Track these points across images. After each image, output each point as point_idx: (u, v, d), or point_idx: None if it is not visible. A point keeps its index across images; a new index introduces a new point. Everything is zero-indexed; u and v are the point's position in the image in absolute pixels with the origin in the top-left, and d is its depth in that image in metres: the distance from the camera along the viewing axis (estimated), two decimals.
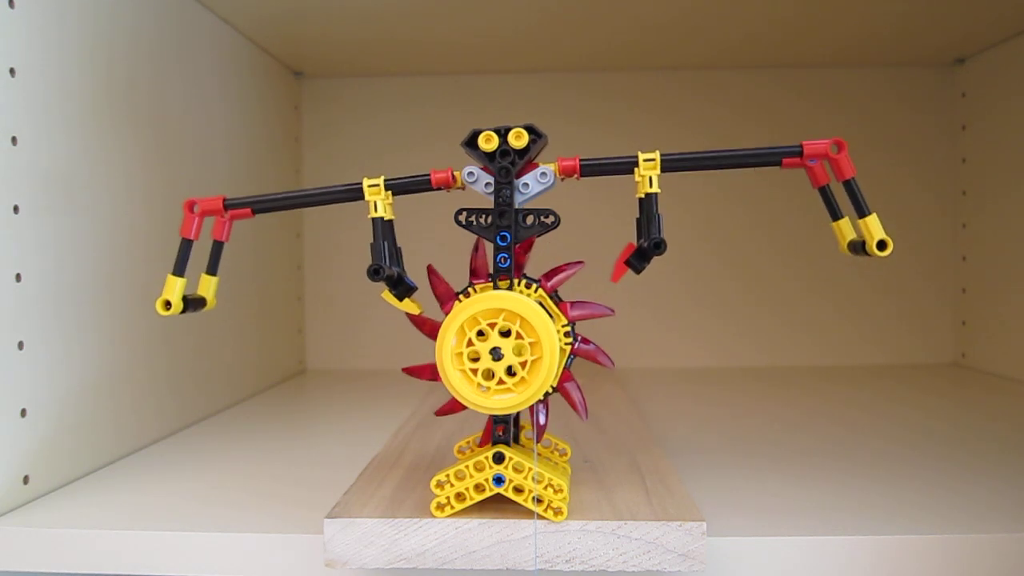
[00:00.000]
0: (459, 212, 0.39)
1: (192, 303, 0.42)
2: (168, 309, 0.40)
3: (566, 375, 0.39)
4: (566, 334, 0.39)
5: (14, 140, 0.46)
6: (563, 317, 0.39)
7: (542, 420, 0.40)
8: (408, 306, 0.40)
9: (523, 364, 0.37)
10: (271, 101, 0.89)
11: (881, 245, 0.38)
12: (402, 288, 0.40)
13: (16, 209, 0.46)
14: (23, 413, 0.46)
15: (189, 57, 0.68)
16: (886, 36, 0.84)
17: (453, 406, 0.40)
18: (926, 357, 0.97)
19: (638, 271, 0.39)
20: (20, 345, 0.46)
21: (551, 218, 0.39)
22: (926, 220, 0.96)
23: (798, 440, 0.60)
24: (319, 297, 0.99)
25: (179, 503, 0.47)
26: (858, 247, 0.39)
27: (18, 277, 0.46)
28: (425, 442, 0.52)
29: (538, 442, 0.40)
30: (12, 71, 0.46)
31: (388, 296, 0.40)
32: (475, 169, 0.39)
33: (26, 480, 0.47)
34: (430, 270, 0.41)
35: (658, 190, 0.38)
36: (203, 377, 0.70)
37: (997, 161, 0.88)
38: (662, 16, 0.76)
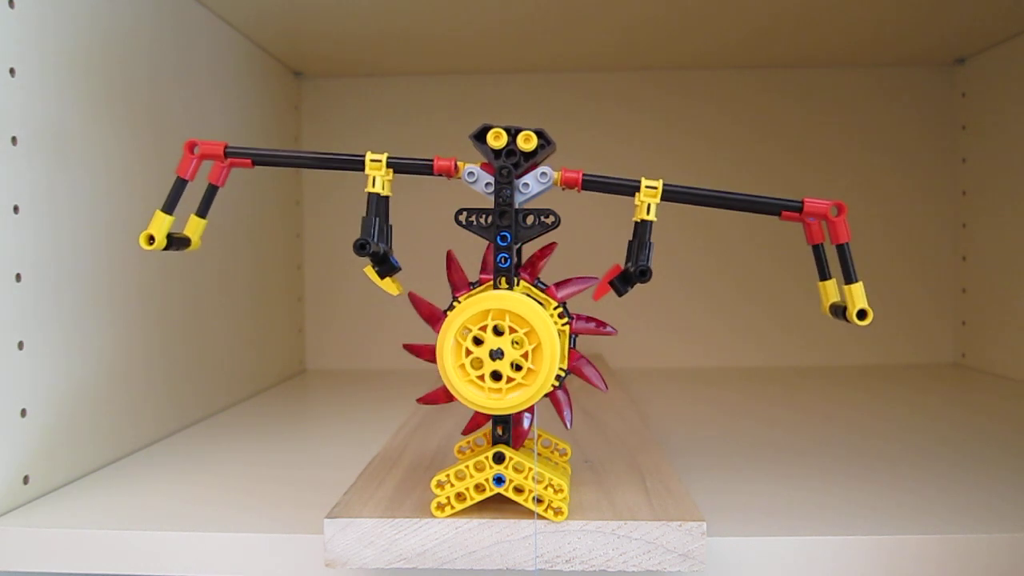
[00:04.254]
0: (459, 212, 0.39)
1: (176, 241, 0.41)
2: (151, 244, 0.40)
3: (574, 355, 0.39)
4: (560, 315, 0.39)
5: (14, 140, 0.46)
6: (552, 300, 0.39)
7: (525, 424, 0.39)
8: (388, 285, 0.40)
9: (526, 356, 0.37)
10: (270, 101, 0.89)
11: (861, 314, 0.38)
12: (386, 266, 0.40)
13: (16, 209, 0.46)
14: (23, 413, 0.46)
15: (188, 57, 0.68)
16: (886, 36, 0.84)
17: (437, 396, 0.40)
18: (926, 357, 0.97)
19: (620, 294, 0.39)
20: (20, 345, 0.46)
21: (551, 218, 0.39)
22: (926, 220, 0.96)
23: (798, 440, 0.60)
24: (319, 297, 0.99)
25: (179, 503, 0.47)
26: (839, 312, 0.40)
27: (18, 277, 0.46)
28: (425, 442, 0.52)
29: (520, 445, 0.40)
30: (12, 71, 0.46)
31: (370, 272, 0.40)
32: (475, 169, 0.39)
33: (26, 480, 0.47)
34: (449, 256, 0.40)
35: (655, 219, 0.38)
36: (203, 377, 0.70)
37: (997, 161, 0.88)
38: (661, 15, 0.76)
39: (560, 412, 0.40)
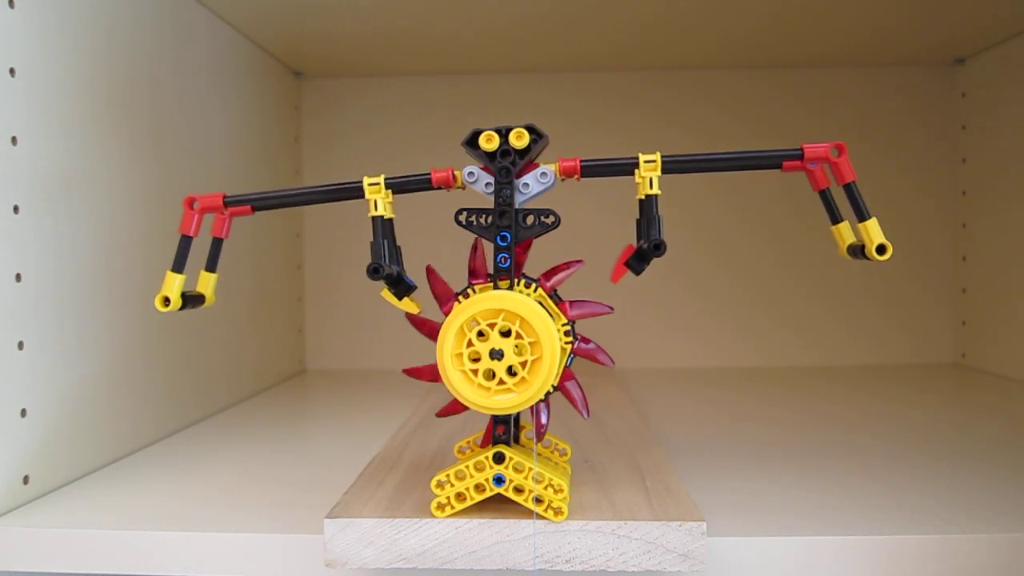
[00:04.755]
0: (459, 212, 0.39)
1: (191, 299, 0.42)
2: (167, 305, 0.40)
3: (567, 374, 0.39)
4: (566, 333, 0.39)
5: (14, 140, 0.46)
6: (563, 316, 0.39)
7: (544, 419, 0.40)
8: (407, 305, 0.40)
9: (523, 364, 0.37)
10: (271, 101, 0.89)
11: (880, 249, 0.38)
12: (401, 287, 0.40)
13: (16, 209, 0.46)
14: (23, 413, 0.46)
15: (189, 57, 0.68)
16: (886, 36, 0.84)
17: (455, 407, 0.40)
18: (926, 357, 0.97)
19: (637, 272, 0.39)
20: (20, 345, 0.46)
21: (551, 218, 0.39)
22: (926, 220, 0.96)
23: (798, 440, 0.60)
24: (319, 297, 0.99)
25: (179, 503, 0.47)
26: (857, 251, 0.39)
27: (18, 277, 0.46)
28: (425, 442, 0.52)
29: (539, 441, 0.40)
30: (12, 71, 0.46)
31: (387, 295, 0.40)
32: (475, 169, 0.39)
33: (26, 480, 0.47)
34: (429, 270, 0.41)
35: (658, 192, 0.38)
36: (203, 377, 0.70)
37: (997, 161, 0.88)
38: (660, 15, 0.76)
39: (575, 405, 0.40)
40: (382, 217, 0.39)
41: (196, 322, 0.69)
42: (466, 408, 0.40)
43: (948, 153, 0.96)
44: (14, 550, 0.42)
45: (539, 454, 0.42)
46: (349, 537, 0.37)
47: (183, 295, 0.41)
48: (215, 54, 0.74)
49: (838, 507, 0.44)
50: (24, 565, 0.42)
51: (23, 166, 0.47)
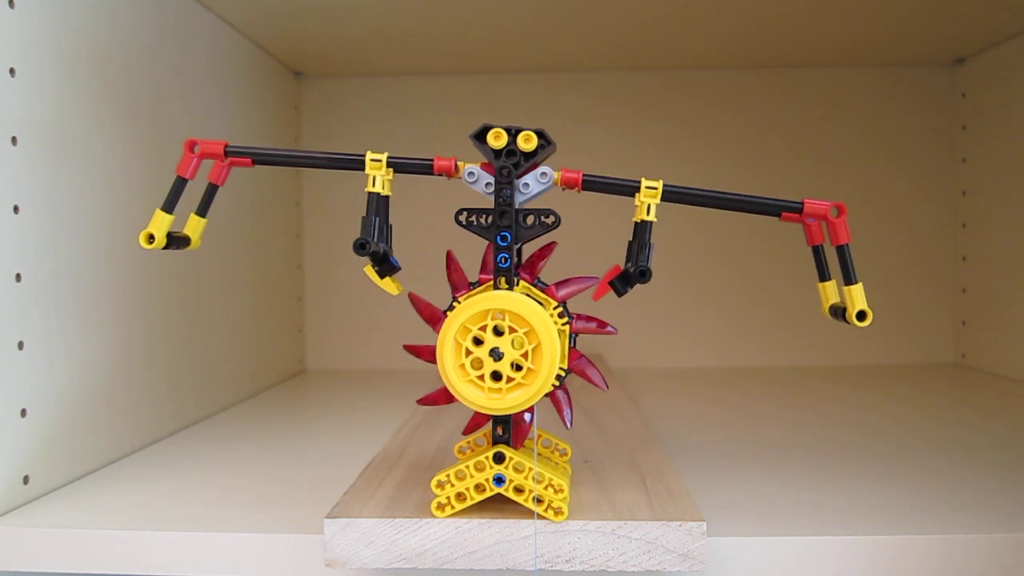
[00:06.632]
0: (459, 212, 0.39)
1: (176, 240, 0.41)
2: (151, 242, 0.40)
3: (575, 354, 0.39)
4: (560, 315, 0.39)
5: (14, 140, 0.46)
6: (552, 300, 0.39)
7: (527, 419, 0.40)
8: (387, 285, 0.40)
9: (525, 355, 0.37)
10: (271, 101, 0.88)
11: (861, 316, 0.38)
12: (386, 266, 0.40)
13: (16, 209, 0.46)
14: (23, 413, 0.46)
15: (189, 57, 0.68)
16: (886, 36, 0.84)
17: (437, 397, 0.40)
18: (926, 357, 0.97)
19: (620, 294, 0.39)
20: (20, 345, 0.46)
21: (551, 218, 0.39)
22: (926, 220, 0.96)
23: (798, 440, 0.60)
24: (319, 297, 0.99)
25: (179, 503, 0.47)
26: (839, 313, 0.39)
27: (18, 277, 0.46)
28: (425, 442, 0.52)
29: (521, 444, 0.40)
30: (12, 71, 0.46)
31: (370, 272, 0.40)
32: (476, 169, 0.39)
33: (26, 480, 0.47)
34: (449, 256, 0.40)
35: (655, 219, 0.38)
36: (203, 377, 0.70)
37: (997, 161, 0.88)
38: (661, 15, 0.76)
39: (560, 412, 0.40)
40: (378, 194, 0.39)
41: (196, 322, 0.69)
42: (449, 400, 0.40)
43: (948, 153, 0.96)
44: (14, 550, 0.42)
45: (539, 454, 0.42)
46: (349, 537, 0.37)
47: (169, 235, 0.40)
48: (215, 54, 0.74)
49: (838, 507, 0.44)
50: (24, 565, 0.42)
51: (23, 165, 0.47)
